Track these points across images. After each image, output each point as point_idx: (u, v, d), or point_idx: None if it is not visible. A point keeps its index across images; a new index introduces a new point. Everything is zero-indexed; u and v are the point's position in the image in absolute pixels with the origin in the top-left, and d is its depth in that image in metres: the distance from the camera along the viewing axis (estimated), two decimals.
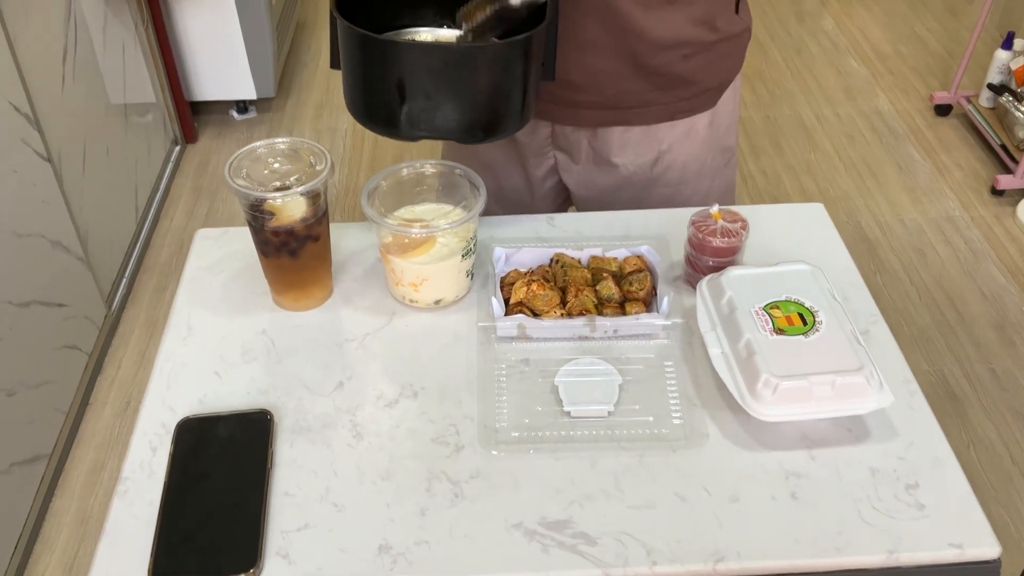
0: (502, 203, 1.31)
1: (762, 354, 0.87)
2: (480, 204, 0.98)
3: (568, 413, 0.90)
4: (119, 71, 2.42)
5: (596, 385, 0.92)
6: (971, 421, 1.98)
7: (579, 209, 1.32)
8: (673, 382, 0.93)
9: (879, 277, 2.39)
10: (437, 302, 1.02)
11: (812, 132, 2.94)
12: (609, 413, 0.90)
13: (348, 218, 2.58)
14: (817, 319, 0.91)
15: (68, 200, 2.02)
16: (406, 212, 1.02)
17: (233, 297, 1.05)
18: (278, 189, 0.94)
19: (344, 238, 1.12)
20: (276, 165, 0.96)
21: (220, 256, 1.11)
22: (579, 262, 1.05)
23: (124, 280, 2.33)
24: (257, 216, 0.95)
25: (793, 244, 1.11)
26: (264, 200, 0.92)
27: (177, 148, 2.82)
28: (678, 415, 0.90)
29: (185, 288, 1.07)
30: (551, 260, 1.05)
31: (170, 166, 2.74)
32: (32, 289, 1.84)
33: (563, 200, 1.34)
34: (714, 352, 0.92)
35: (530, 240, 1.12)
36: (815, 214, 1.17)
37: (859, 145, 2.88)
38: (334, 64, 1.02)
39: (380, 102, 0.98)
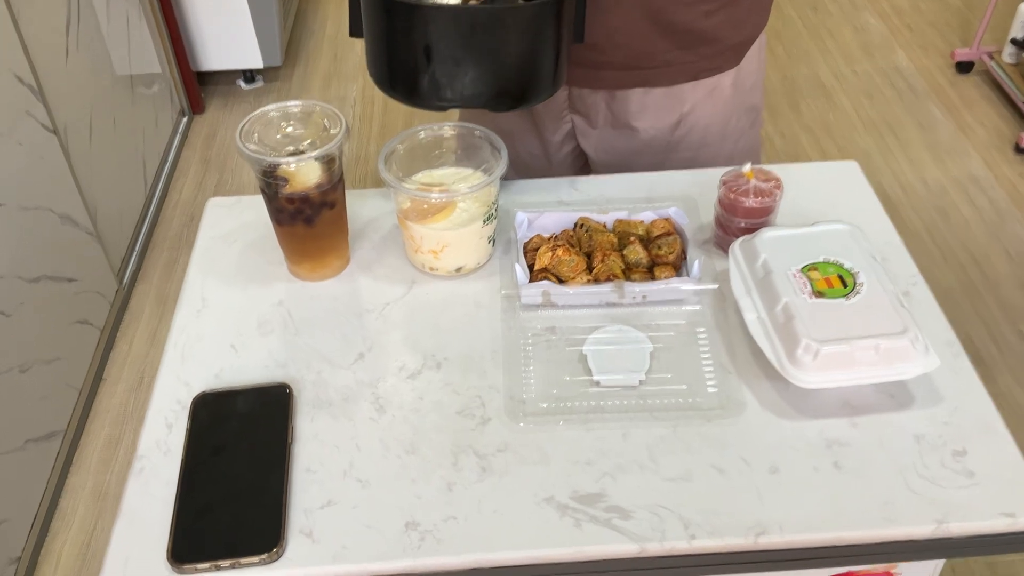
0: (518, 170, 1.27)
1: (801, 318, 0.83)
2: (501, 167, 0.94)
3: (597, 383, 0.87)
4: (123, 41, 2.37)
5: (626, 353, 0.89)
6: (998, 384, 1.94)
7: (596, 172, 1.27)
8: (706, 349, 0.89)
9: (901, 238, 2.34)
10: (458, 269, 0.98)
11: (830, 91, 2.87)
12: (640, 382, 0.87)
13: (359, 188, 2.54)
14: (858, 281, 0.87)
15: (75, 173, 1.99)
16: (424, 176, 0.99)
17: (248, 268, 1.02)
18: (292, 154, 0.90)
19: (360, 205, 1.08)
20: (289, 129, 0.92)
21: (233, 226, 1.07)
22: (604, 226, 1.01)
23: (135, 254, 2.30)
24: (270, 183, 0.91)
25: (826, 204, 1.06)
26: (277, 165, 0.89)
27: (184, 119, 2.78)
28: (712, 383, 0.86)
29: (198, 259, 1.03)
30: (575, 224, 1.01)
31: (178, 137, 2.70)
32: (41, 264, 1.81)
33: (581, 166, 1.30)
34: (749, 317, 0.88)
35: (552, 204, 1.08)
36: (848, 172, 1.13)
37: (879, 104, 2.82)
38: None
39: (405, 70, 0.94)
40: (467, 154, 0.99)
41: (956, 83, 2.89)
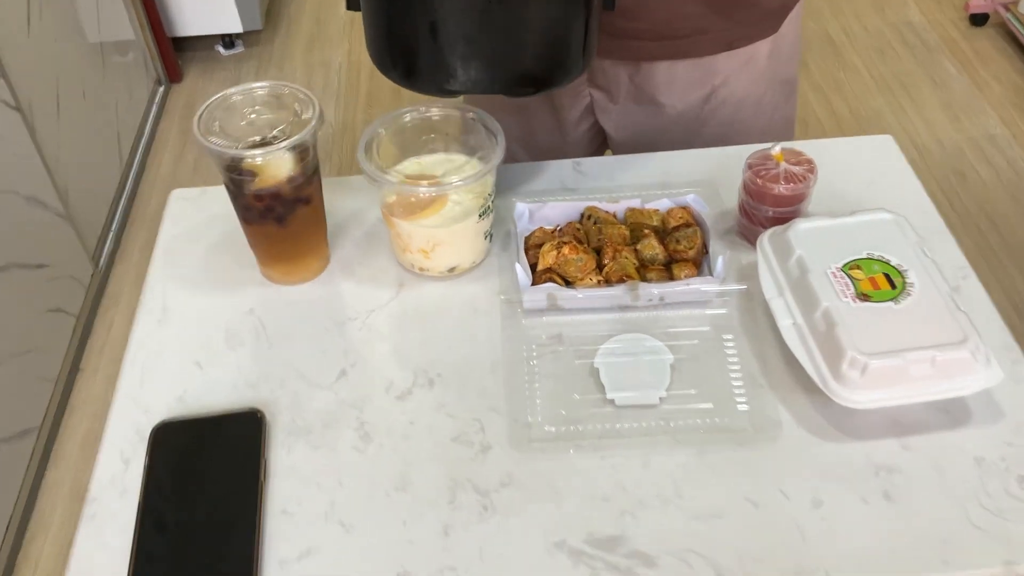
0: (530, 149, 1.15)
1: (845, 326, 0.73)
2: (499, 154, 0.82)
3: (612, 402, 0.76)
4: (92, 6, 2.23)
5: (643, 366, 0.78)
6: None
7: (615, 152, 1.16)
8: (735, 359, 0.79)
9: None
10: (451, 270, 0.87)
11: (840, 48, 2.74)
12: (661, 400, 0.76)
13: (346, 163, 2.41)
14: (907, 280, 0.76)
15: (42, 151, 1.86)
16: (411, 165, 0.87)
17: (215, 270, 0.91)
18: (258, 145, 0.78)
19: (340, 195, 0.96)
20: (253, 116, 0.80)
21: (199, 221, 0.96)
22: (614, 217, 0.90)
23: (111, 234, 2.18)
24: (235, 178, 0.80)
25: (861, 185, 0.95)
26: (242, 159, 0.77)
27: (161, 89, 2.64)
28: (743, 400, 0.76)
29: (159, 261, 0.92)
30: (582, 215, 0.90)
31: (154, 109, 2.57)
32: (8, 251, 1.69)
33: (599, 144, 1.18)
34: (784, 324, 0.77)
35: (554, 191, 0.96)
36: (883, 147, 1.01)
37: (890, 60, 2.69)
38: (351, 4, 0.85)
39: (409, 51, 0.81)
40: (459, 139, 0.88)
41: (970, 36, 2.76)
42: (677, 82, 1.02)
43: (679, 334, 0.81)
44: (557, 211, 0.90)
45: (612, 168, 0.99)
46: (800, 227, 0.81)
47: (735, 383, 0.77)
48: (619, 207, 0.90)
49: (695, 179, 0.95)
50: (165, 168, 2.44)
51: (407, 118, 0.87)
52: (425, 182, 0.81)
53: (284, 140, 0.78)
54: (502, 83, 0.82)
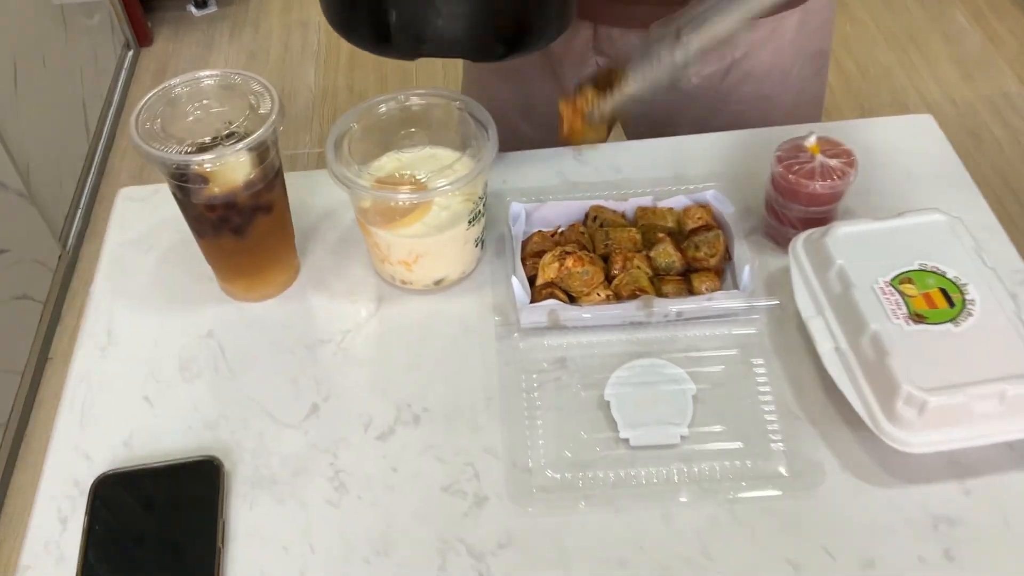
0: (531, 120, 1.03)
1: (898, 355, 0.62)
2: (491, 150, 0.71)
3: (626, 441, 0.66)
4: None
5: (661, 398, 0.68)
6: None
7: (627, 132, 1.04)
8: (766, 388, 0.68)
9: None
10: (438, 282, 0.76)
11: (846, 1, 2.60)
12: (682, 439, 0.66)
13: (327, 133, 2.28)
14: (967, 297, 0.65)
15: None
16: (389, 162, 0.76)
17: (168, 284, 0.79)
18: (207, 147, 0.67)
19: (311, 192, 0.85)
20: (200, 113, 0.68)
21: (150, 225, 0.84)
22: (623, 217, 0.79)
23: (79, 212, 2.05)
24: (183, 186, 0.68)
25: (899, 174, 0.84)
26: (188, 165, 0.65)
27: (130, 53, 2.49)
28: (778, 438, 0.66)
29: (103, 275, 0.81)
30: (586, 216, 0.79)
31: (123, 75, 2.42)
32: None
33: (608, 120, 1.06)
34: (824, 348, 0.67)
35: (553, 186, 0.85)
36: (922, 129, 0.90)
37: (899, 14, 2.55)
38: None
39: (363, 6, 0.70)
40: (444, 130, 0.76)
41: None
42: None
43: (701, 359, 0.70)
44: (557, 211, 0.79)
45: (618, 156, 0.88)
46: (840, 232, 0.70)
47: (768, 417, 0.67)
48: (628, 206, 0.79)
49: (713, 169, 0.84)
50: None
51: (382, 109, 0.75)
52: (406, 188, 0.69)
53: (239, 140, 0.66)
54: (468, 46, 0.72)
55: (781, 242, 0.78)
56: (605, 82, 0.75)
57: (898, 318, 0.64)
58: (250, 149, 0.67)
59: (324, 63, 2.49)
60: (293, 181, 0.77)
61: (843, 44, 2.46)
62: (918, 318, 0.64)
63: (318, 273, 0.79)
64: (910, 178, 0.84)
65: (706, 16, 0.70)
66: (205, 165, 0.65)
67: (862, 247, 0.69)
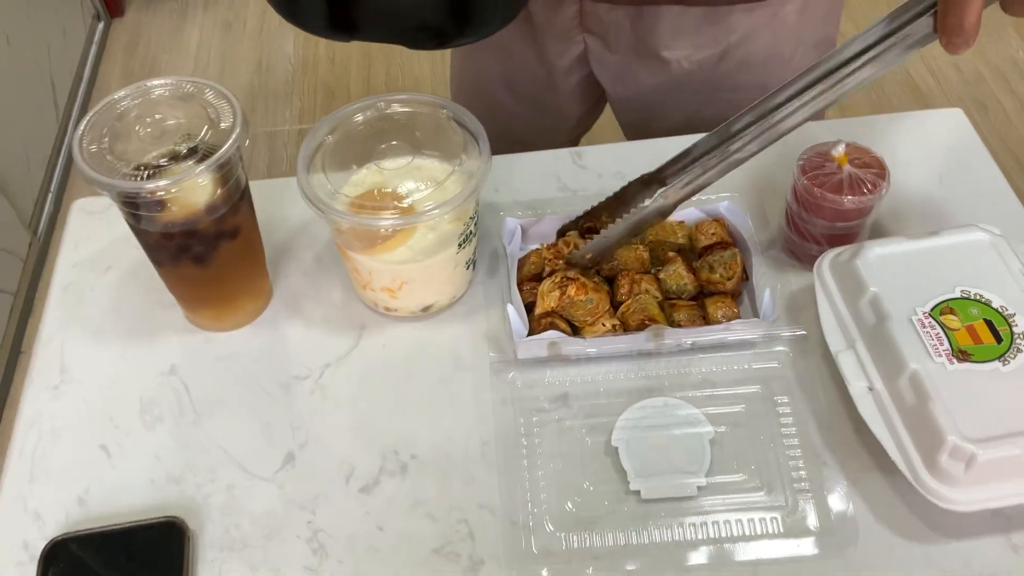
0: (517, 95, 0.96)
1: (941, 399, 0.55)
2: (485, 165, 0.63)
3: (637, 493, 0.59)
4: None
5: (675, 444, 0.61)
6: None
7: (616, 112, 0.96)
8: (791, 429, 0.62)
9: None
10: (426, 308, 0.69)
11: None
12: (699, 489, 0.59)
13: (307, 109, 2.18)
14: (1015, 330, 0.59)
15: None
16: (368, 175, 0.68)
17: (126, 311, 0.72)
18: (160, 168, 0.59)
19: (283, 202, 0.77)
20: (151, 129, 0.60)
21: (107, 242, 0.77)
22: None
23: (49, 197, 1.96)
24: (136, 213, 0.60)
25: (928, 177, 0.77)
26: (139, 193, 0.58)
27: (100, 25, 2.38)
28: (805, 487, 0.59)
29: (55, 300, 0.73)
30: (587, 230, 0.72)
31: (93, 48, 2.31)
32: None
33: (596, 98, 0.98)
34: (857, 388, 0.60)
35: (549, 195, 0.78)
36: (951, 125, 0.83)
37: None
38: None
39: None
40: (431, 137, 0.68)
41: None
42: (685, 35, 0.83)
43: (718, 397, 0.63)
44: (556, 226, 0.72)
45: (621, 159, 0.80)
46: (872, 254, 0.63)
47: (793, 463, 0.60)
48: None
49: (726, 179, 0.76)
50: None
51: (359, 118, 0.67)
52: (388, 212, 0.61)
53: (200, 158, 0.59)
54: (396, 31, 0.66)
55: (802, 258, 0.71)
56: (588, 227, 0.68)
57: (940, 356, 0.58)
58: (212, 170, 0.59)
59: (304, 33, 2.38)
60: (261, 191, 0.69)
61: (844, 9, 2.37)
62: (962, 355, 0.58)
63: (292, 298, 0.72)
64: (941, 183, 0.77)
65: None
66: (159, 193, 0.57)
67: (897, 271, 0.62)
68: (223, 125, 0.61)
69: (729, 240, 0.70)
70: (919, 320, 0.60)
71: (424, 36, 0.65)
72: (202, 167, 0.58)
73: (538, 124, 0.99)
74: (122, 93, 0.61)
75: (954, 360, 0.57)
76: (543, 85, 0.95)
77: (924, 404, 0.56)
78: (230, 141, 0.60)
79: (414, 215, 0.61)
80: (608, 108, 1.00)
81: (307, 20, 0.66)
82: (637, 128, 0.97)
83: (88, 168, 0.57)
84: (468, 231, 0.66)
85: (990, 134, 2.05)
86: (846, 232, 0.68)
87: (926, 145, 0.80)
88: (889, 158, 0.69)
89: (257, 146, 2.10)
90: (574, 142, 1.10)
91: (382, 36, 0.65)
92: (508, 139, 0.99)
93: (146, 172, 0.58)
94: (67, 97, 2.13)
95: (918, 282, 0.62)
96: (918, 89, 2.16)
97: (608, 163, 0.80)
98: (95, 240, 0.77)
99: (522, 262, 0.70)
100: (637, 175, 0.78)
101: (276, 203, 0.76)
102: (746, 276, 0.68)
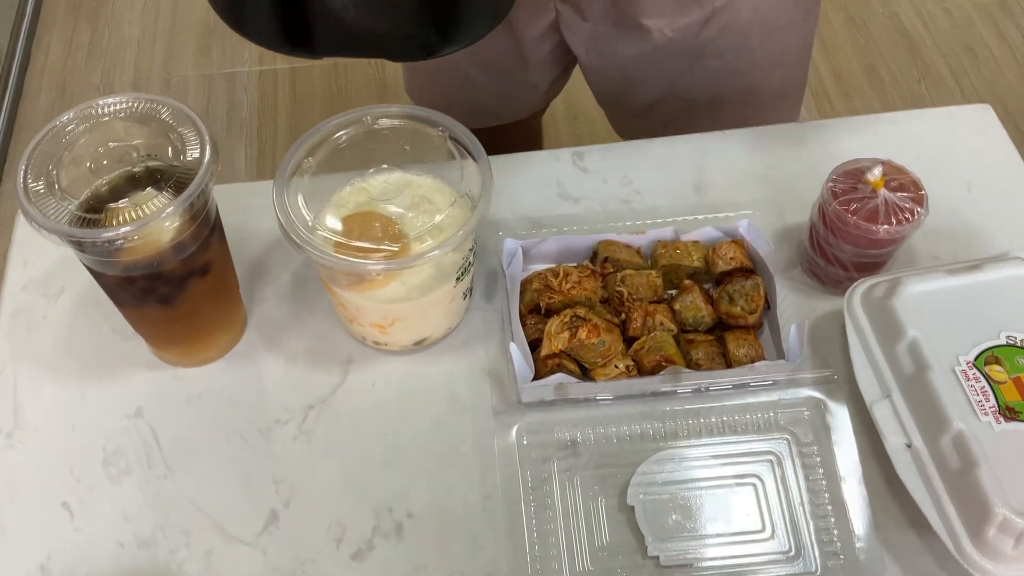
0: (484, 68, 0.88)
1: (988, 464, 0.51)
2: (488, 191, 0.56)
3: (656, 559, 0.55)
4: None
5: (695, 502, 0.56)
6: None
7: (590, 82, 0.89)
8: (820, 483, 0.57)
9: (923, 86, 1.98)
10: (419, 342, 0.63)
11: None
12: (723, 559, 0.55)
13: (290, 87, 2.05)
14: None
15: None
16: (353, 194, 0.60)
17: (83, 342, 0.65)
18: (116, 193, 0.51)
19: (255, 210, 0.69)
20: (106, 163, 0.53)
21: (57, 260, 0.69)
22: (639, 253, 0.65)
23: None
24: (90, 257, 0.53)
25: (957, 185, 0.72)
26: (96, 242, 0.50)
27: None
28: (835, 547, 0.55)
29: (4, 330, 0.66)
30: (594, 254, 0.65)
31: None
32: None
33: (566, 65, 0.91)
34: (893, 443, 0.55)
35: (550, 201, 0.71)
36: (980, 124, 0.77)
37: None
38: None
39: None
40: (422, 152, 0.61)
41: None
42: (667, 2, 0.75)
43: (740, 445, 0.58)
44: (560, 247, 0.66)
45: (626, 161, 0.74)
46: (910, 292, 0.58)
47: (822, 522, 0.56)
48: (645, 240, 0.65)
49: (738, 177, 0.71)
50: (55, 55, 2.07)
51: (343, 139, 0.59)
52: (378, 256, 0.54)
53: (161, 184, 0.51)
54: (381, 44, 0.57)
55: (826, 281, 0.65)
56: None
57: (986, 413, 0.53)
58: (180, 208, 0.51)
59: None
60: (230, 199, 0.61)
61: None
62: (1010, 413, 0.53)
63: (269, 327, 0.65)
64: (971, 191, 0.71)
65: None
66: (118, 242, 0.50)
67: (936, 312, 0.57)
68: (190, 150, 0.53)
69: (749, 264, 0.64)
70: (962, 371, 0.55)
71: (405, 47, 0.57)
72: (169, 210, 0.51)
73: (506, 95, 0.92)
74: (68, 116, 0.53)
75: (1001, 419, 0.53)
76: (512, 57, 0.87)
77: (970, 469, 0.51)
78: (201, 172, 0.52)
79: (411, 257, 0.54)
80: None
81: (255, 31, 0.56)
82: (612, 98, 0.90)
83: (31, 206, 0.50)
84: (467, 263, 0.59)
85: (978, 81, 1.99)
86: (876, 261, 0.62)
87: (953, 145, 0.74)
88: (912, 162, 0.64)
89: (215, 90, 1.99)
90: (543, 109, 1.03)
91: (357, 54, 0.57)
92: (476, 112, 0.92)
93: (95, 204, 0.50)
94: (8, 37, 1.99)
95: (960, 325, 0.57)
96: (908, 35, 2.09)
97: (611, 167, 0.73)
98: (44, 258, 0.69)
99: (524, 286, 0.64)
100: (643, 179, 0.72)
101: (245, 215, 0.69)
102: (767, 304, 0.63)
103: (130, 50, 2.06)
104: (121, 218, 0.50)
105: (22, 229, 0.71)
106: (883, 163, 0.61)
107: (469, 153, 0.58)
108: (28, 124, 1.95)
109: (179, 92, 1.96)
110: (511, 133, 0.99)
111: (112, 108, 0.54)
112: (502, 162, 0.73)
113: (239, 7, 0.56)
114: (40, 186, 0.51)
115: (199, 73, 2.01)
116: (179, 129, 0.53)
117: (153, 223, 0.50)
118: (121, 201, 0.51)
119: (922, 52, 2.06)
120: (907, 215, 0.59)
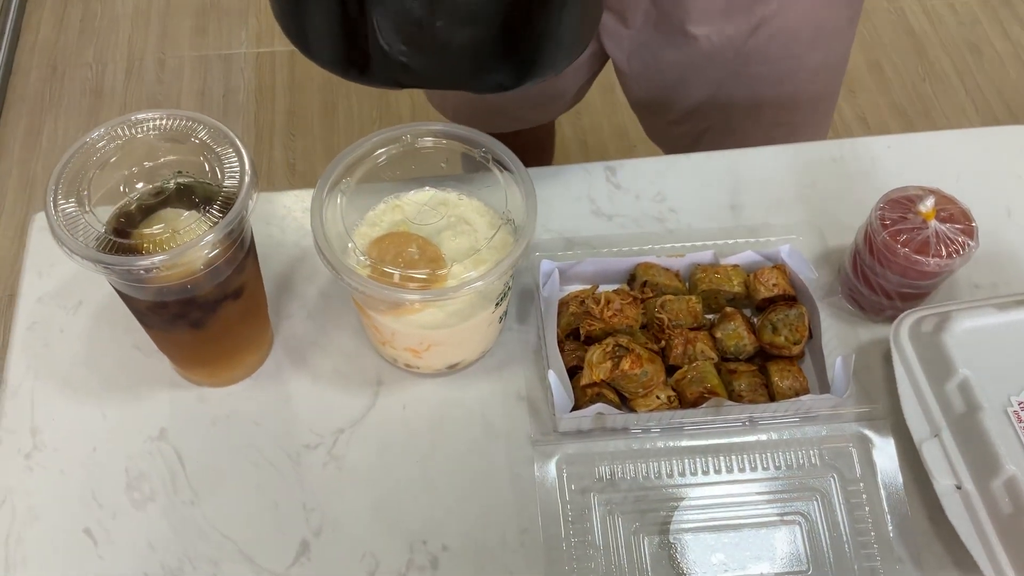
0: None
1: None
2: (531, 220, 0.54)
3: None
4: None
5: (739, 541, 0.55)
6: None
7: (627, 89, 0.87)
8: (866, 522, 0.56)
9: (928, 84, 1.97)
10: (452, 366, 0.61)
11: None
12: None
13: (266, 29, 2.01)
14: None
15: None
16: (387, 212, 0.58)
17: (104, 358, 0.63)
18: (147, 210, 0.49)
19: (279, 221, 0.68)
20: (140, 186, 0.50)
21: (74, 271, 0.66)
22: (677, 277, 0.64)
23: None
24: (125, 282, 0.51)
25: (997, 210, 0.70)
26: (131, 269, 0.48)
27: None
28: None
29: (21, 344, 0.63)
30: (632, 277, 0.64)
31: None
32: None
33: (596, 70, 0.89)
34: (943, 485, 0.54)
35: (584, 217, 0.69)
36: (1016, 146, 0.75)
37: None
38: None
39: (326, 21, 0.53)
40: (464, 170, 0.59)
41: None
42: (715, 7, 0.73)
43: (783, 481, 0.57)
44: (596, 268, 0.64)
45: (660, 178, 0.72)
46: (960, 327, 0.57)
47: (866, 561, 0.55)
48: (683, 263, 0.64)
49: (776, 194, 0.69)
50: (45, 32, 2.02)
51: (382, 158, 0.57)
52: (414, 285, 0.52)
53: (203, 226, 0.49)
54: (462, 73, 0.55)
55: (867, 309, 0.64)
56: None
57: None
58: (220, 235, 0.49)
59: None
60: (258, 205, 0.59)
61: None
62: None
63: (296, 345, 0.63)
64: (1010, 217, 0.70)
65: None
66: (152, 271, 0.48)
67: (987, 349, 0.56)
68: (228, 179, 0.51)
69: (791, 292, 0.62)
70: (1015, 412, 0.54)
71: (485, 76, 0.55)
72: (207, 239, 0.48)
73: (533, 101, 0.91)
74: (99, 132, 0.51)
75: None
76: None
77: (1022, 515, 0.51)
78: (241, 197, 0.50)
79: (453, 287, 0.52)
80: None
81: (357, 73, 0.54)
82: (651, 104, 0.88)
83: (68, 238, 0.47)
84: (507, 287, 0.58)
85: (983, 81, 1.98)
86: (921, 291, 0.61)
87: (994, 170, 0.73)
88: (952, 185, 0.62)
89: (211, 71, 1.95)
90: (567, 109, 1.01)
91: (439, 83, 0.55)
92: (499, 117, 0.90)
93: (124, 224, 0.48)
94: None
95: (1011, 363, 0.55)
96: (913, 33, 2.07)
97: (644, 183, 0.71)
98: (61, 265, 0.66)
99: (560, 308, 0.62)
100: (677, 196, 0.70)
101: (269, 223, 0.67)
102: (809, 334, 0.62)
103: (123, 29, 2.01)
104: (157, 244, 0.47)
105: (35, 236, 0.68)
106: (937, 194, 0.59)
107: (511, 174, 0.56)
108: (17, 103, 1.91)
109: (174, 73, 1.92)
110: (527, 133, 0.97)
111: (144, 121, 0.52)
112: (532, 175, 0.71)
113: (297, 30, 0.54)
114: (72, 206, 0.48)
115: (194, 54, 1.97)
116: (216, 149, 0.51)
117: (192, 251, 0.48)
118: (156, 226, 0.49)
119: (927, 49, 2.05)
120: (957, 247, 0.58)
